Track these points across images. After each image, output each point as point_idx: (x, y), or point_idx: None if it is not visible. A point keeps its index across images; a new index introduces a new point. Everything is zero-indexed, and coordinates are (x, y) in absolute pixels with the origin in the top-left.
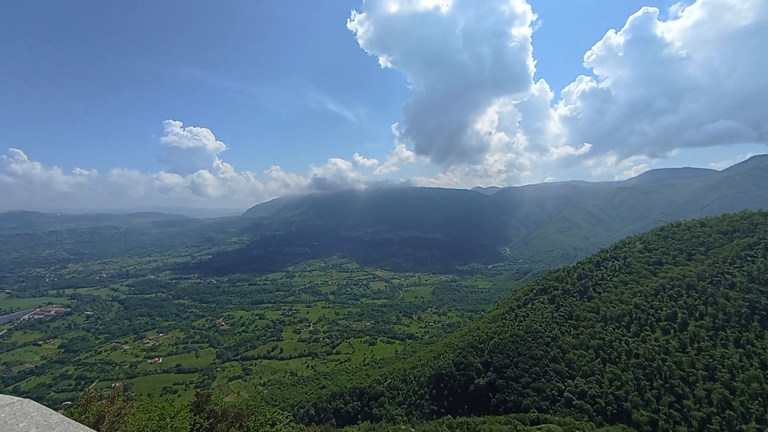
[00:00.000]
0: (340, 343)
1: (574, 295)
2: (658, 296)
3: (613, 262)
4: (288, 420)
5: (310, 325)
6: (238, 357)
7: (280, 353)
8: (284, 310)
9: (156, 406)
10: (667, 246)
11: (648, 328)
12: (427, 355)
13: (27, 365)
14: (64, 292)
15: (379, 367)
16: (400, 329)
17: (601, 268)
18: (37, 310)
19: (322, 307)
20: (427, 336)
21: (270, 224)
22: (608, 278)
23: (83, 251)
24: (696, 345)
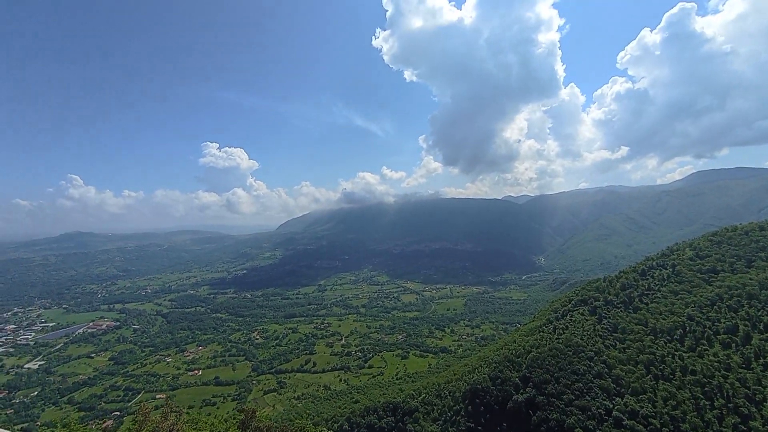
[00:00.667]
0: (373, 356)
1: (618, 306)
2: (715, 307)
3: (661, 270)
4: None
5: (342, 339)
6: (273, 370)
7: (313, 367)
8: (316, 323)
9: (206, 423)
10: (722, 252)
11: (705, 341)
12: (461, 369)
13: (81, 377)
14: (114, 307)
15: (412, 381)
16: (432, 342)
17: (647, 277)
18: (90, 324)
19: (354, 321)
20: (461, 349)
21: (301, 239)
22: (656, 288)
23: (131, 268)
24: (762, 360)
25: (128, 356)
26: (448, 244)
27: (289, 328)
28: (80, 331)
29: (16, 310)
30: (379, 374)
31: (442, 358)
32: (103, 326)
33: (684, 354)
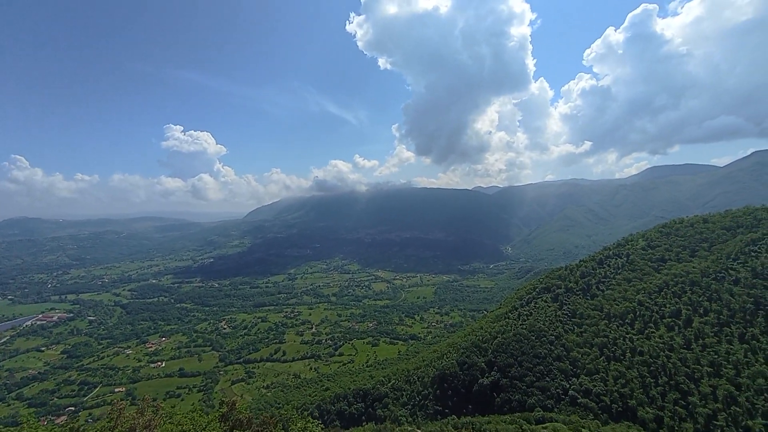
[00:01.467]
0: (343, 344)
1: (578, 293)
2: (662, 293)
3: (616, 259)
4: (320, 428)
5: (312, 327)
6: (241, 360)
7: (282, 356)
8: (286, 312)
9: (187, 418)
10: (670, 243)
11: (652, 325)
12: (430, 356)
13: (30, 371)
14: (66, 297)
15: (383, 368)
16: (402, 330)
17: (604, 265)
18: (40, 316)
19: (325, 309)
20: (430, 336)
21: (271, 227)
22: (611, 276)
23: (85, 257)
24: (701, 341)
25: (83, 349)
26: (419, 234)
27: (259, 317)
28: (28, 323)
29: None
30: (349, 362)
31: (411, 345)
32: (54, 318)
33: (634, 336)
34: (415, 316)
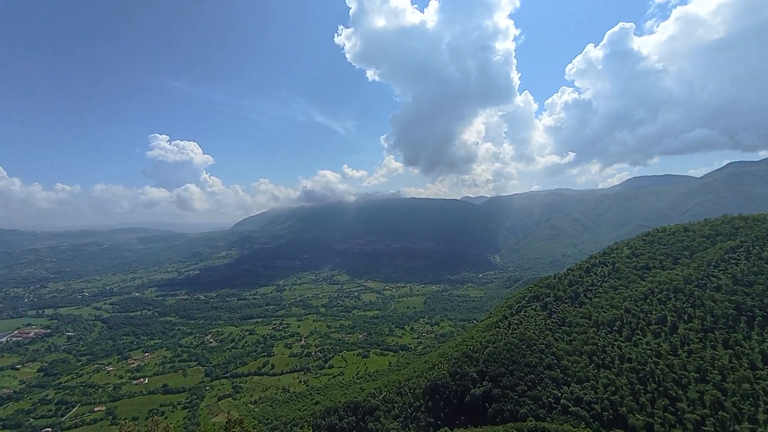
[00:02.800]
0: (333, 356)
1: (566, 301)
2: (648, 300)
3: (603, 267)
4: None
5: (301, 340)
6: (228, 374)
7: (271, 369)
8: (275, 324)
9: None
10: (654, 251)
11: (639, 332)
12: (421, 367)
13: (5, 390)
14: (43, 312)
15: (373, 380)
16: (393, 341)
17: (591, 274)
18: (15, 332)
19: (314, 321)
20: (421, 347)
21: (259, 237)
22: (598, 284)
23: (64, 269)
24: (686, 347)
25: (61, 366)
26: (408, 244)
27: (246, 330)
28: (3, 339)
29: None
30: (339, 374)
31: (402, 356)
32: (31, 334)
33: (622, 344)
34: (405, 327)
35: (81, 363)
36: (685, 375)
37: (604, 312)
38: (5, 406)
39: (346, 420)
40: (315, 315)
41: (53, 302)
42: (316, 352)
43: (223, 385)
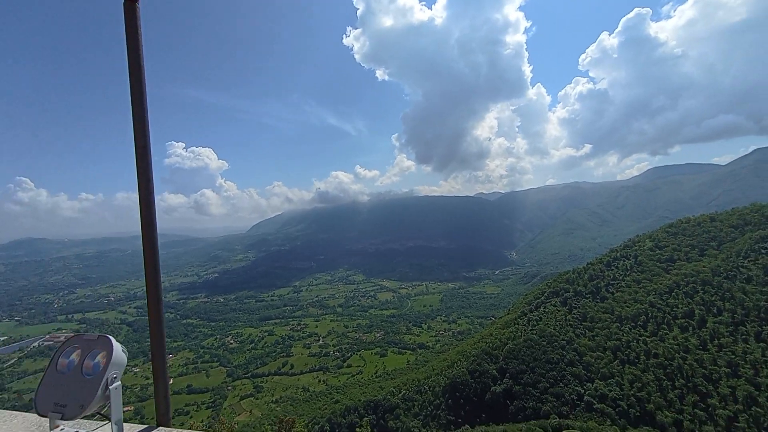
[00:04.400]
0: (351, 355)
1: (587, 296)
2: (673, 294)
3: (624, 261)
4: None
5: (319, 339)
6: (249, 375)
7: (290, 369)
8: (293, 325)
9: None
10: (678, 243)
11: (665, 326)
12: (440, 365)
13: None
14: (73, 317)
15: (392, 379)
16: (410, 339)
17: (612, 267)
18: (47, 336)
19: (331, 321)
20: (439, 345)
21: (274, 240)
22: (620, 278)
23: (91, 275)
24: (716, 342)
25: None
26: (422, 242)
27: (265, 331)
28: (35, 344)
29: None
30: (358, 373)
31: (420, 354)
32: (61, 338)
33: (647, 339)
34: (423, 325)
35: None
36: (716, 370)
37: (628, 307)
38: None
39: (366, 419)
40: (332, 315)
41: (81, 307)
42: (334, 352)
43: (244, 385)
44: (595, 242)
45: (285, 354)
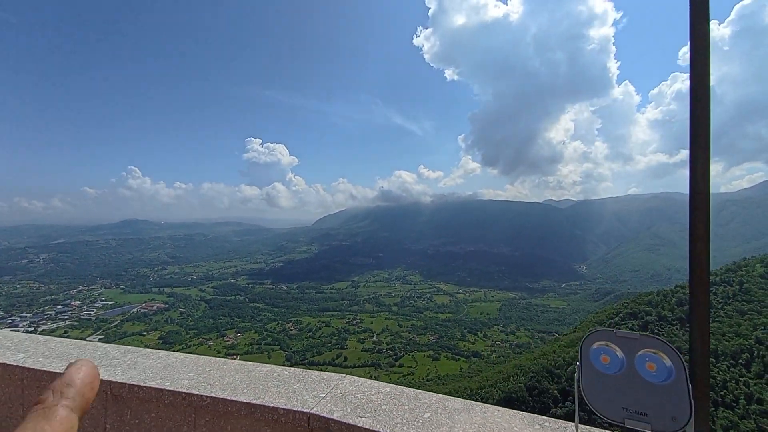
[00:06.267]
0: (403, 356)
1: (674, 323)
2: None
3: (725, 287)
4: None
5: (373, 336)
6: (305, 362)
7: (344, 361)
8: (349, 319)
9: None
10: None
11: None
12: (494, 376)
13: None
14: (163, 290)
15: (444, 384)
16: (464, 346)
17: (710, 293)
18: (143, 305)
19: (386, 318)
20: (494, 355)
21: (337, 234)
22: (719, 306)
23: (179, 255)
24: None
25: (175, 337)
26: (483, 247)
27: (323, 322)
28: (134, 310)
29: (81, 288)
30: (409, 373)
31: (474, 363)
32: (154, 307)
33: (750, 380)
34: (478, 333)
35: (189, 336)
36: None
37: (727, 341)
38: None
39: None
40: (387, 313)
41: (170, 282)
42: (387, 350)
43: None
44: (687, 263)
45: (340, 346)
